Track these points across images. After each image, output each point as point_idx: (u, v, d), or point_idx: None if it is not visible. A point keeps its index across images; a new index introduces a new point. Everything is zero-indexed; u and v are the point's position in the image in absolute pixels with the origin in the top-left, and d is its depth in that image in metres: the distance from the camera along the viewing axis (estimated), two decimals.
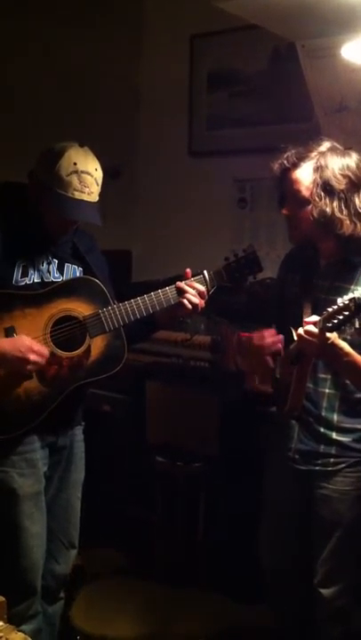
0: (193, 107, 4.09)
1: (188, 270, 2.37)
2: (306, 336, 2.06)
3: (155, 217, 4.22)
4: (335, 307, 1.96)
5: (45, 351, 2.19)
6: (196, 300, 2.33)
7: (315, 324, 2.04)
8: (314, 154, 2.21)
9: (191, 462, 3.21)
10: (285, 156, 2.24)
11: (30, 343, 2.17)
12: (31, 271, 2.28)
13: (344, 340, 2.10)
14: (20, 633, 1.64)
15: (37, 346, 2.18)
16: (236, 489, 3.28)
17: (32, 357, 2.15)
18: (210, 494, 3.25)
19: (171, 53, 4.10)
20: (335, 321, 1.95)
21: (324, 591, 2.36)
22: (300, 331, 2.09)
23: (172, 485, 3.31)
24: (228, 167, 3.94)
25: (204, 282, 2.36)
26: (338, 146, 2.26)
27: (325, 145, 2.24)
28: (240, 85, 3.91)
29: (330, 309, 1.97)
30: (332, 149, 2.22)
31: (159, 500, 3.29)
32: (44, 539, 2.39)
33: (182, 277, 2.40)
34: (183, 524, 3.37)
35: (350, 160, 2.19)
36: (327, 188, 2.15)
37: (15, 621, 2.21)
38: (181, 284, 2.34)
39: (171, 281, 2.42)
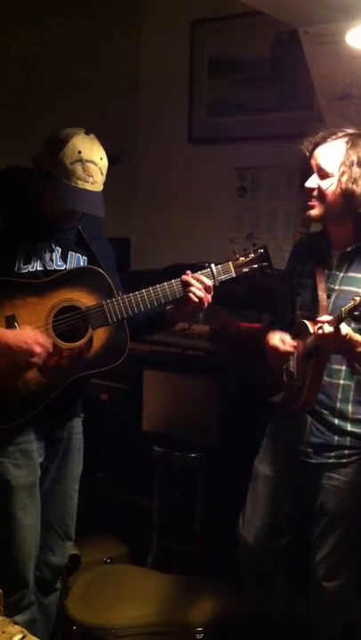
0: (193, 93, 4.06)
1: (189, 272, 2.32)
2: (323, 335, 2.09)
3: (154, 205, 4.20)
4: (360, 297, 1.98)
5: (49, 343, 2.16)
6: (201, 293, 2.28)
7: (329, 322, 2.07)
8: (342, 134, 2.24)
9: (189, 451, 3.20)
10: (316, 133, 2.28)
11: (35, 334, 2.14)
12: (34, 259, 2.24)
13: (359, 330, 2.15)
14: (16, 626, 1.62)
15: (42, 337, 2.15)
16: (234, 477, 3.28)
17: (37, 349, 2.12)
18: (208, 482, 3.25)
19: (171, 39, 4.06)
20: None
21: (328, 584, 2.36)
22: (315, 329, 2.12)
23: (169, 474, 3.31)
24: (228, 155, 3.91)
25: (211, 275, 2.31)
26: None
27: (352, 129, 2.28)
28: (241, 72, 3.87)
29: (358, 298, 1.98)
30: (360, 134, 2.27)
31: (157, 488, 3.29)
32: (38, 530, 2.37)
33: (182, 266, 2.36)
34: (181, 512, 3.37)
35: None
36: (358, 163, 2.18)
37: (8, 612, 2.21)
38: (187, 278, 2.29)
39: (170, 270, 2.38)
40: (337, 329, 2.05)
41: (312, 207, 2.27)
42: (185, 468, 3.26)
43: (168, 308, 2.38)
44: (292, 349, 2.30)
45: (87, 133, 2.18)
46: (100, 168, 2.17)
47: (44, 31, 3.59)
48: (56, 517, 2.46)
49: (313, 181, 2.25)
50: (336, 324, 2.06)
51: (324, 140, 2.25)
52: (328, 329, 2.06)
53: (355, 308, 1.99)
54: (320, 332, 2.09)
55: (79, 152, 2.13)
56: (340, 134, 2.24)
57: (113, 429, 3.58)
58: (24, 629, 1.67)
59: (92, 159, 2.15)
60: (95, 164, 2.16)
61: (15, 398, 2.19)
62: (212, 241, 3.84)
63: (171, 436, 3.28)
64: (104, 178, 2.20)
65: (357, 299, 1.99)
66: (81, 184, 2.14)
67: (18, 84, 3.53)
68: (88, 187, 2.15)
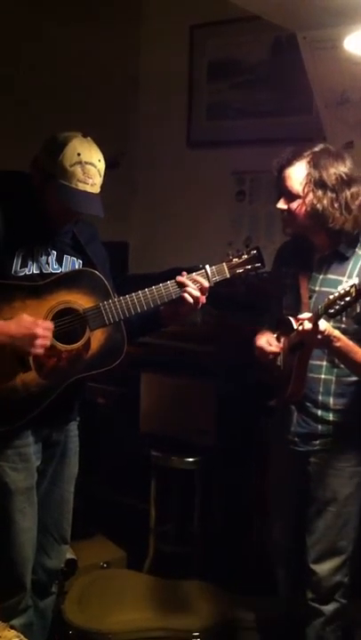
0: (192, 97, 4.06)
1: (184, 273, 2.34)
2: (304, 331, 2.21)
3: (152, 208, 4.20)
4: (336, 293, 2.11)
5: (50, 324, 2.17)
6: (197, 293, 2.30)
7: (308, 319, 2.20)
8: (307, 152, 2.34)
9: (186, 455, 3.20)
10: (282, 154, 2.38)
11: (33, 318, 2.14)
12: (30, 261, 2.24)
13: (338, 328, 2.28)
14: (12, 630, 1.62)
15: (41, 320, 2.16)
16: (232, 480, 3.28)
17: (40, 331, 2.13)
18: (205, 486, 3.25)
19: (170, 43, 4.07)
20: (337, 307, 2.11)
21: (318, 567, 2.44)
22: (299, 326, 2.24)
23: (166, 477, 3.31)
24: (226, 159, 3.91)
25: (205, 276, 2.33)
26: (331, 147, 2.40)
27: (320, 146, 2.37)
28: (241, 76, 3.88)
29: (331, 297, 2.12)
30: (325, 149, 2.37)
31: (154, 491, 3.28)
32: (35, 534, 2.37)
33: (179, 270, 2.37)
34: (178, 516, 3.37)
35: (342, 159, 2.34)
36: (319, 182, 2.29)
37: (5, 616, 2.21)
38: (182, 279, 2.31)
39: (167, 274, 2.39)
40: (316, 325, 2.18)
41: (286, 226, 2.43)
42: (182, 472, 3.25)
43: (161, 309, 2.39)
44: (277, 350, 2.41)
45: (85, 136, 2.21)
46: (98, 170, 2.19)
47: (43, 34, 3.60)
48: (52, 520, 2.46)
49: (282, 203, 2.37)
50: (315, 320, 2.18)
51: (289, 162, 2.34)
52: (308, 325, 2.19)
53: (329, 305, 2.12)
54: (301, 328, 2.21)
55: (78, 154, 2.15)
56: (304, 154, 2.33)
57: (110, 433, 3.58)
58: (19, 634, 1.67)
59: (91, 161, 2.17)
60: (94, 166, 2.18)
61: (15, 400, 2.19)
62: (210, 245, 3.84)
63: (168, 439, 3.28)
64: (102, 180, 2.22)
65: (331, 297, 2.12)
66: (81, 186, 2.16)
67: (17, 87, 3.53)
68: (88, 188, 2.17)
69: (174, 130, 4.10)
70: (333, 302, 2.10)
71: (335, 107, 3.01)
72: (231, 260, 2.38)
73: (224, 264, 2.37)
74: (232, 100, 3.92)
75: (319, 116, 3.15)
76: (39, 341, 2.14)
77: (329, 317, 2.16)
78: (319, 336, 2.20)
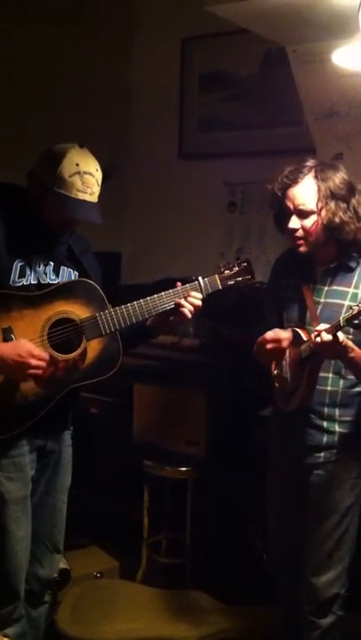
0: (184, 109, 4.10)
1: (179, 283, 2.37)
2: (322, 342, 2.19)
3: (144, 219, 4.22)
4: (359, 306, 2.10)
5: (46, 355, 2.19)
6: (191, 307, 2.34)
7: (326, 330, 2.18)
8: (307, 168, 2.34)
9: (179, 465, 3.21)
10: (284, 174, 2.36)
11: (30, 347, 2.16)
12: (28, 272, 2.27)
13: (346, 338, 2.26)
14: (5, 638, 1.63)
15: (37, 350, 2.17)
16: (224, 490, 3.29)
17: (33, 362, 2.15)
18: (197, 496, 3.26)
19: (162, 56, 4.10)
20: None
21: (316, 580, 2.42)
22: (310, 336, 2.24)
23: (159, 487, 3.32)
24: (218, 170, 3.94)
25: (198, 288, 2.36)
26: (322, 159, 2.43)
27: (311, 160, 2.37)
28: (232, 88, 3.92)
29: (354, 309, 2.11)
30: (320, 162, 2.38)
31: (147, 501, 3.29)
32: (29, 543, 2.37)
33: (171, 280, 2.40)
34: (171, 526, 3.37)
35: (338, 168, 2.36)
36: (330, 195, 2.30)
37: None
38: (181, 301, 2.33)
39: (160, 284, 2.41)
40: (335, 336, 2.16)
41: (300, 245, 2.38)
42: (175, 481, 3.26)
43: (150, 319, 2.41)
44: (289, 335, 2.36)
45: (81, 146, 2.24)
46: (96, 179, 2.24)
47: (35, 46, 3.62)
48: (45, 530, 2.46)
49: (295, 222, 2.34)
50: (334, 331, 2.17)
51: (294, 181, 2.33)
52: (327, 337, 2.17)
53: (353, 317, 2.11)
54: (318, 339, 2.19)
55: (77, 165, 2.19)
56: (305, 170, 2.32)
57: (103, 443, 3.59)
58: None
59: (89, 171, 2.21)
60: (92, 176, 2.22)
61: (12, 409, 2.21)
62: (202, 255, 3.87)
63: (160, 449, 3.29)
64: (99, 189, 2.26)
65: (356, 308, 2.11)
66: (81, 195, 2.20)
67: (9, 98, 3.55)
68: (87, 198, 2.21)
69: (166, 141, 4.13)
70: (358, 315, 2.10)
71: (324, 119, 3.04)
72: (223, 272, 2.41)
73: (216, 276, 2.40)
74: (223, 113, 3.95)
75: (309, 129, 3.18)
76: (31, 371, 2.16)
77: (353, 328, 2.19)
78: (338, 347, 2.19)
